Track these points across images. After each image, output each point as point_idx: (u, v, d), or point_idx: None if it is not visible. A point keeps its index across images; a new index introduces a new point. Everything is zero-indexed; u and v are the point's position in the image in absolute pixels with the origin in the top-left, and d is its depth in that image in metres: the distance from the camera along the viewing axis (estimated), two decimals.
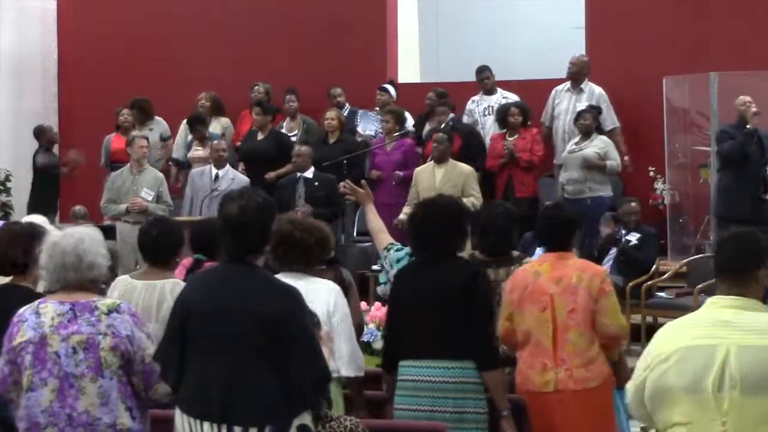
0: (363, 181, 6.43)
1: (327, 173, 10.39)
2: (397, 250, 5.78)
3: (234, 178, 10.42)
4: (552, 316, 5.29)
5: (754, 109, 9.72)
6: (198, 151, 11.24)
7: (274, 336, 3.90)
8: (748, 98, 9.76)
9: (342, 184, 6.37)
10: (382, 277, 6.01)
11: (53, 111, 14.07)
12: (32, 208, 10.78)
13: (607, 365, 5.37)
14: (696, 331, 3.50)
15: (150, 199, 10.10)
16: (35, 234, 4.81)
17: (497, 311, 6.01)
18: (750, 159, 9.71)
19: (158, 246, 5.57)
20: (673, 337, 3.53)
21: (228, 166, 10.56)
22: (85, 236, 4.30)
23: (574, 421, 5.29)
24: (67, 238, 4.26)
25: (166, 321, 4.31)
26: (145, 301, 5.37)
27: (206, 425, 3.93)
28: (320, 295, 4.99)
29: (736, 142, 9.73)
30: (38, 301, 4.28)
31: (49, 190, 11.82)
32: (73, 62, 14.02)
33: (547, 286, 5.32)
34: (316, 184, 10.18)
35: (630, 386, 3.70)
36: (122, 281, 5.63)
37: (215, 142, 10.84)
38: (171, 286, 5.38)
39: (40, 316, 4.20)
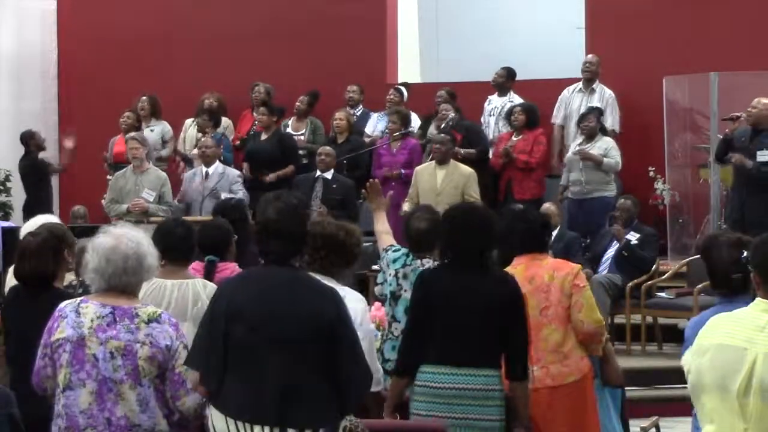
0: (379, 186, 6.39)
1: (342, 176, 10.41)
2: (395, 250, 5.79)
3: (223, 172, 10.43)
4: None
5: (734, 114, 9.80)
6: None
7: (327, 338, 3.94)
8: (756, 101, 9.55)
9: (371, 181, 6.33)
10: (379, 277, 6.00)
11: (53, 111, 14.07)
12: (28, 211, 10.75)
13: (586, 360, 5.37)
14: (732, 328, 3.42)
15: (151, 200, 10.08)
16: (61, 238, 4.89)
17: None
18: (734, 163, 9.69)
19: (180, 243, 5.44)
20: (715, 332, 3.46)
21: (217, 162, 10.56)
22: (142, 238, 4.30)
23: (553, 417, 5.29)
24: (124, 240, 4.23)
25: (197, 320, 4.28)
26: (177, 300, 5.30)
27: (257, 428, 3.92)
28: (350, 306, 4.97)
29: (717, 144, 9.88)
30: (80, 299, 4.27)
31: (44, 191, 11.78)
32: (73, 62, 14.01)
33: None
34: (334, 186, 10.18)
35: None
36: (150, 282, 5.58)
37: (202, 140, 10.85)
38: (202, 284, 5.30)
39: (80, 316, 4.18)
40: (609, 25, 11.89)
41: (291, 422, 3.91)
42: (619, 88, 11.50)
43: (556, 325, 5.29)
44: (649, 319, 9.47)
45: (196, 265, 5.77)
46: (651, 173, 11.25)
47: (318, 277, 4.61)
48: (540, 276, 5.35)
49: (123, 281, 4.21)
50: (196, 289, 5.31)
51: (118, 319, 4.16)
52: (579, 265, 5.54)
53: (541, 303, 5.30)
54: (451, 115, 11.07)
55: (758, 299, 3.48)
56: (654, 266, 9.53)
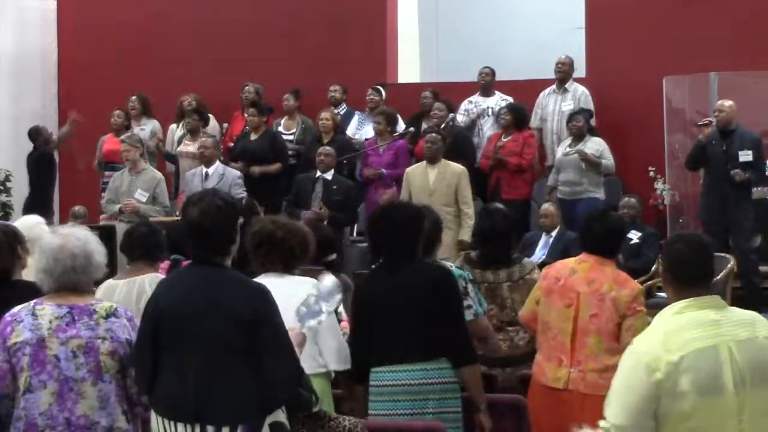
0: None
1: (342, 177, 10.41)
2: None
3: (224, 173, 10.43)
4: (575, 314, 5.27)
5: (707, 120, 9.83)
6: (188, 146, 11.24)
7: (248, 335, 3.93)
8: (720, 105, 9.73)
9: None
10: None
11: (53, 111, 14.08)
12: (28, 210, 10.77)
13: None
14: (692, 334, 3.41)
15: (144, 200, 10.07)
16: (13, 236, 4.90)
17: (505, 310, 6.00)
18: (712, 164, 9.77)
19: (140, 242, 5.59)
20: (675, 344, 3.41)
21: (217, 162, 10.56)
22: (89, 237, 4.30)
23: (580, 421, 5.25)
24: (71, 240, 4.23)
25: None
26: (125, 296, 5.35)
27: (180, 426, 3.95)
28: (304, 293, 5.00)
29: (690, 151, 9.99)
30: (34, 301, 4.25)
31: (46, 191, 11.80)
32: (73, 62, 14.02)
33: (577, 285, 5.30)
34: (335, 187, 10.17)
35: (630, 400, 3.50)
36: (104, 284, 5.63)
37: (202, 139, 10.86)
38: (150, 279, 5.37)
39: (37, 318, 4.17)
40: (609, 25, 11.89)
41: (208, 419, 3.92)
42: (619, 88, 11.49)
43: (601, 338, 5.23)
44: (650, 319, 9.44)
45: (164, 264, 5.83)
46: (651, 173, 11.25)
47: (268, 275, 4.70)
48: (600, 282, 5.29)
49: (72, 279, 4.21)
50: (143, 284, 5.35)
51: (76, 317, 4.18)
52: (640, 287, 5.44)
53: (592, 309, 5.25)
54: (451, 115, 11.06)
55: (687, 300, 3.48)
56: (654, 266, 9.53)
